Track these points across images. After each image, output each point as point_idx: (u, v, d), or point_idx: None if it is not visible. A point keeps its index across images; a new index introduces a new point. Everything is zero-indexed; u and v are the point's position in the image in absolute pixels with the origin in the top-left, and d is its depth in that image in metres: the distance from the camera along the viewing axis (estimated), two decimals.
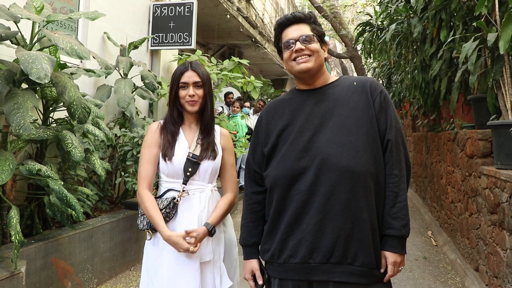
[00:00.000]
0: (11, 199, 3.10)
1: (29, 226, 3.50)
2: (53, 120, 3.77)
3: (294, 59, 1.85)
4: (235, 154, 6.60)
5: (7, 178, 2.72)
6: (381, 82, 10.90)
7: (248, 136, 7.24)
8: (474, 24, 3.97)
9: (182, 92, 2.19)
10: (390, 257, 1.75)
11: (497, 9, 3.66)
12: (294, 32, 1.86)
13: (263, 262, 1.97)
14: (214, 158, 2.21)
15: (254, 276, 1.96)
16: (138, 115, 5.38)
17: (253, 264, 1.97)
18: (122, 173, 4.57)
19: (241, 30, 9.75)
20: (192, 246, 2.02)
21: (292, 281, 1.79)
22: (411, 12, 5.53)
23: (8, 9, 2.89)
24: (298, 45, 1.83)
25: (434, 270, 4.61)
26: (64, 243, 3.45)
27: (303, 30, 1.85)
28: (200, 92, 2.19)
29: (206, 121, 2.25)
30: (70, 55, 2.89)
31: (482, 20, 3.87)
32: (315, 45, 1.84)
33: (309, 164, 1.76)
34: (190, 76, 2.19)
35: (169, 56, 6.62)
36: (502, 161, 3.46)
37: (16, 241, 2.67)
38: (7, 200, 2.99)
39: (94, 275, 3.85)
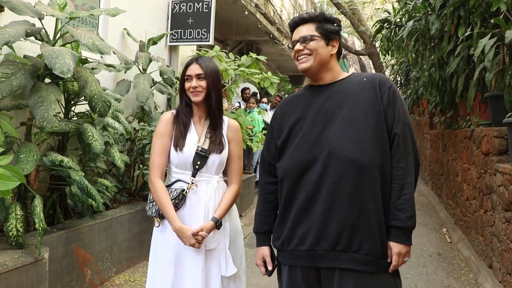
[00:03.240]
0: (35, 188, 3.22)
1: (51, 216, 3.62)
2: (74, 113, 3.88)
3: (297, 59, 1.98)
4: (252, 149, 6.67)
5: (31, 168, 2.84)
6: (399, 79, 10.83)
7: (264, 132, 7.30)
8: (493, 21, 3.95)
9: (187, 84, 2.29)
10: (394, 247, 1.80)
11: None
12: (297, 33, 1.99)
13: (275, 250, 2.06)
14: (221, 151, 2.30)
15: (265, 262, 2.06)
16: (157, 109, 5.48)
17: (264, 250, 2.06)
18: (141, 166, 4.68)
19: (259, 26, 9.79)
20: (197, 244, 2.13)
21: (301, 268, 1.88)
22: (429, 9, 5.51)
23: (34, 6, 3.01)
24: (297, 46, 1.96)
25: (447, 266, 4.62)
26: (84, 232, 3.57)
27: (305, 31, 1.96)
28: (203, 83, 2.26)
29: (213, 113, 2.32)
30: (92, 50, 2.99)
31: (501, 17, 3.86)
32: (314, 44, 1.93)
33: (318, 156, 1.85)
34: (193, 69, 2.28)
35: (187, 52, 6.71)
36: None
37: (40, 228, 2.78)
38: (31, 190, 3.11)
39: (113, 264, 3.97)
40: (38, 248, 2.80)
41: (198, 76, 2.27)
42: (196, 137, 2.28)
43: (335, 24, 1.99)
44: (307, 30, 1.96)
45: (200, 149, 2.24)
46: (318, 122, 1.90)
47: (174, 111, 2.36)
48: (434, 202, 7.85)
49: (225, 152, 2.33)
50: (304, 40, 1.94)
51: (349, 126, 1.84)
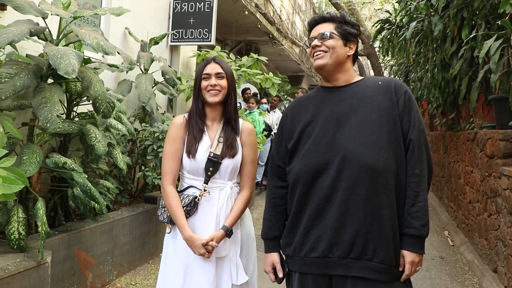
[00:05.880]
0: (37, 191, 3.17)
1: (52, 218, 3.56)
2: (76, 114, 3.83)
3: (313, 56, 1.93)
4: None
5: (34, 170, 2.79)
6: None
7: (265, 133, 7.25)
8: (498, 22, 3.93)
9: (204, 83, 2.22)
10: (408, 256, 1.76)
11: None
12: (316, 31, 1.96)
13: (284, 256, 2.01)
14: (234, 156, 2.21)
15: (274, 269, 2.01)
16: (158, 110, 5.43)
17: (274, 257, 2.01)
18: (143, 167, 4.63)
19: (259, 26, 9.75)
20: (207, 254, 2.08)
21: (312, 275, 1.83)
22: (432, 10, 5.49)
23: (38, 5, 2.95)
24: (315, 42, 1.93)
25: (451, 270, 4.60)
26: (86, 235, 3.52)
27: (325, 28, 1.93)
28: (222, 82, 2.22)
29: (228, 115, 2.26)
30: (96, 50, 2.93)
31: (506, 18, 3.83)
32: (332, 42, 1.90)
33: (332, 160, 1.80)
34: (212, 68, 2.23)
35: (188, 52, 6.66)
36: None
37: (43, 231, 2.73)
38: (33, 192, 3.06)
39: (114, 267, 3.92)
40: (40, 252, 2.75)
41: (218, 75, 2.22)
42: (209, 141, 2.21)
43: (354, 28, 1.97)
44: (326, 28, 1.93)
45: (212, 155, 2.17)
46: (331, 125, 1.86)
47: (186, 115, 2.29)
48: (435, 204, 7.83)
49: (239, 156, 2.25)
50: (322, 37, 1.91)
51: (363, 130, 1.80)
